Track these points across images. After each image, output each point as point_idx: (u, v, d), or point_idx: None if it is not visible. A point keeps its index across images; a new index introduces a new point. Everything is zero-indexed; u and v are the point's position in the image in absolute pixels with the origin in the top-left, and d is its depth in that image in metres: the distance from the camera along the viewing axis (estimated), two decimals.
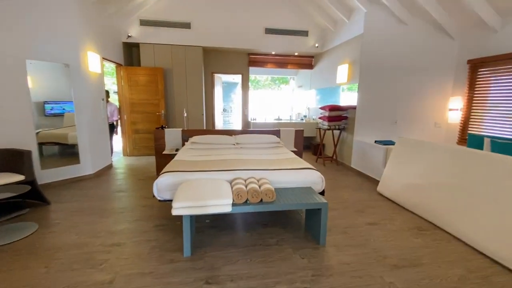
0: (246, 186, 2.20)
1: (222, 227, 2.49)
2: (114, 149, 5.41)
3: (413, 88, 4.23)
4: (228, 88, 10.80)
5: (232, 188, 2.17)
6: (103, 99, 4.46)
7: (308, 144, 6.62)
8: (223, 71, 6.41)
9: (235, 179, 2.35)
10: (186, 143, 3.99)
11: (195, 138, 3.84)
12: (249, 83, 6.78)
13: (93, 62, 4.06)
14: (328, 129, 4.90)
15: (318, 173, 2.59)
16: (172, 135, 4.18)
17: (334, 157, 5.20)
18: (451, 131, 4.33)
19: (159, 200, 2.38)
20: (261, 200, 2.13)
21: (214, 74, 6.44)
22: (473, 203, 2.33)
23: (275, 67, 6.61)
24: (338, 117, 4.89)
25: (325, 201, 2.19)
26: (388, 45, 4.24)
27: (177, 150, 4.07)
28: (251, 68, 6.70)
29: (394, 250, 2.18)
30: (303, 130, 4.49)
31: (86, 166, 3.96)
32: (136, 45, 5.56)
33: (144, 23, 5.34)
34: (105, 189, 3.54)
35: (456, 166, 2.58)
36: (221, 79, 7.27)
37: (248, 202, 2.10)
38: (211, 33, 5.58)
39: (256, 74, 8.38)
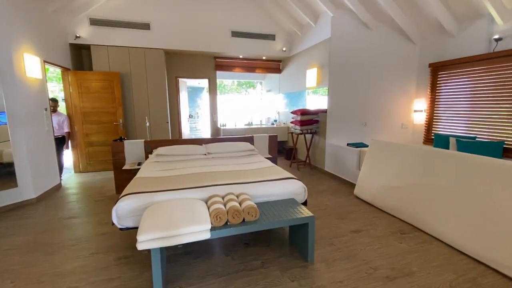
0: (225, 205, 1.94)
1: (198, 253, 2.19)
2: (65, 165, 4.70)
3: (380, 91, 4.38)
4: (194, 93, 10.35)
5: (209, 208, 1.89)
6: (46, 109, 3.81)
7: (281, 149, 6.54)
8: (188, 75, 6.04)
9: (211, 197, 2.08)
10: (150, 155, 3.58)
11: (160, 150, 3.45)
12: (217, 88, 6.50)
13: (32, 66, 3.44)
14: (301, 133, 4.84)
15: (300, 183, 2.43)
16: (133, 148, 3.72)
17: (308, 161, 5.16)
18: (417, 132, 4.57)
19: (120, 229, 2.00)
20: (243, 219, 1.89)
21: (178, 79, 6.03)
22: (447, 202, 2.37)
23: (243, 71, 6.43)
24: (309, 121, 4.86)
25: (312, 214, 2.03)
26: (355, 49, 4.33)
27: (139, 164, 3.63)
28: (218, 72, 6.43)
29: (382, 259, 2.09)
30: (276, 135, 4.36)
31: (26, 189, 3.31)
32: (87, 47, 4.94)
33: (94, 22, 4.76)
34: (51, 216, 2.97)
35: (428, 166, 2.63)
36: (186, 83, 6.86)
37: (228, 223, 1.84)
38: (173, 35, 5.20)
39: (224, 79, 8.11)
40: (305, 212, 2.07)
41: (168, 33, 5.16)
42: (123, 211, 1.94)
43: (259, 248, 2.25)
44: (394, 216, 2.88)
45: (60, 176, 4.49)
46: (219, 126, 6.44)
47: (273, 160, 4.28)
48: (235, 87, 13.33)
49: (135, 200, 1.97)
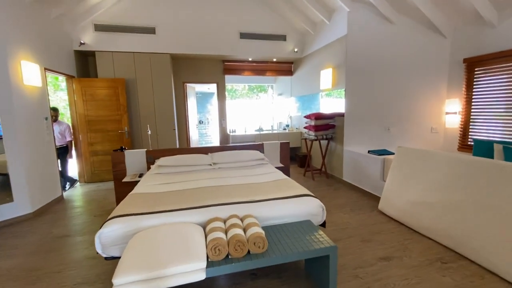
0: (226, 232, 1.60)
1: (194, 285, 1.85)
2: (70, 175, 4.54)
3: (405, 92, 3.90)
4: (204, 98, 10.18)
5: (206, 237, 1.56)
6: (47, 118, 3.66)
7: (293, 156, 6.14)
8: (196, 80, 5.81)
9: (211, 220, 1.74)
10: (151, 166, 3.31)
11: (162, 160, 3.18)
12: (226, 93, 6.23)
13: (30, 73, 3.29)
14: (316, 140, 4.44)
15: (317, 201, 2.06)
16: (134, 158, 3.47)
17: (323, 169, 4.74)
18: (449, 137, 4.07)
19: (105, 258, 1.70)
20: (248, 251, 1.54)
21: (186, 84, 5.82)
22: (502, 226, 1.91)
23: (252, 75, 6.13)
24: (325, 125, 4.46)
25: (333, 244, 1.65)
26: (375, 46, 3.91)
27: (141, 175, 3.37)
28: (227, 77, 6.17)
29: None
30: (288, 142, 3.99)
31: (22, 203, 3.12)
32: (92, 54, 4.81)
33: (99, 28, 4.63)
34: (44, 234, 2.75)
35: (473, 179, 2.18)
36: (194, 89, 6.65)
37: (230, 256, 1.50)
38: (179, 39, 4.98)
39: (233, 83, 7.86)
40: (325, 239, 1.69)
41: (174, 37, 4.95)
42: (107, 238, 1.64)
43: (269, 281, 1.89)
44: (431, 239, 2.43)
45: (65, 187, 4.34)
46: (228, 132, 6.15)
47: (286, 169, 3.91)
48: (246, 92, 13.12)
49: (121, 226, 1.67)
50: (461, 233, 2.17)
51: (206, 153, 3.64)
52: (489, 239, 1.98)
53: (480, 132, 3.67)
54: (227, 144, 5.99)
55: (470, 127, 3.64)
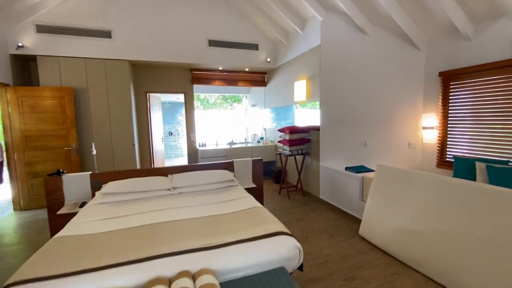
0: None
1: None
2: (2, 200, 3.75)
3: (381, 105, 3.75)
4: (173, 109, 9.61)
5: None
6: None
7: (268, 170, 5.80)
8: (161, 90, 5.30)
9: (150, 284, 1.28)
10: (96, 193, 2.75)
11: (109, 186, 2.65)
12: (195, 103, 5.77)
13: None
14: (291, 155, 4.13)
15: (293, 241, 1.69)
16: (75, 183, 2.88)
17: (299, 186, 4.43)
18: (428, 152, 3.94)
19: None
20: None
21: (148, 94, 5.28)
22: (496, 259, 1.68)
23: (223, 85, 5.76)
24: (300, 140, 4.18)
25: None
26: (349, 58, 3.75)
27: (83, 204, 2.78)
28: (196, 86, 5.74)
29: None
30: (261, 159, 3.63)
31: None
32: (34, 59, 4.13)
33: (42, 29, 3.99)
34: None
35: (458, 206, 1.96)
36: (159, 99, 6.11)
37: None
38: (140, 44, 4.49)
39: (202, 93, 7.45)
40: None
41: (133, 42, 4.45)
42: None
43: None
44: (419, 272, 2.16)
45: None
46: (197, 146, 5.67)
47: (259, 190, 3.54)
48: (220, 102, 12.69)
49: None
50: (453, 268, 1.91)
51: (166, 175, 3.15)
52: (483, 276, 1.73)
53: (458, 148, 3.59)
54: (196, 159, 5.49)
55: (448, 142, 3.55)
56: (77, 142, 4.15)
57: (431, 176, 2.27)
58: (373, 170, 3.38)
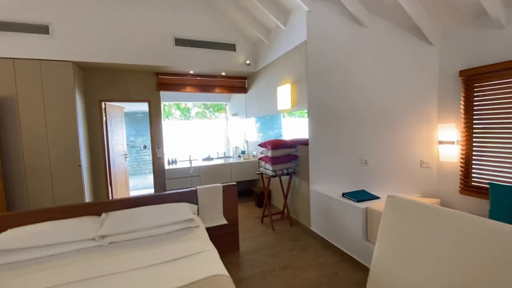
0: None
1: None
2: None
3: (385, 114, 2.98)
4: (146, 119, 8.68)
5: None
6: None
7: (249, 190, 4.98)
8: (119, 98, 4.44)
9: None
10: None
11: (7, 238, 1.77)
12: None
13: None
14: (274, 176, 3.34)
15: None
16: None
17: (286, 212, 3.63)
18: (446, 174, 3.03)
19: None
20: None
21: (104, 103, 4.40)
22: None
23: (197, 91, 4.96)
24: (285, 157, 3.41)
25: None
26: (343, 56, 3.04)
27: None
28: (166, 94, 4.92)
29: None
30: (235, 185, 2.81)
31: None
32: None
33: None
34: None
35: None
36: (122, 109, 5.23)
37: None
38: (87, 42, 3.65)
39: (174, 101, 6.65)
40: None
41: (78, 39, 3.60)
42: None
43: None
44: None
45: None
46: (166, 163, 4.80)
47: (232, 227, 2.72)
48: (201, 111, 11.86)
49: None
50: None
51: (100, 213, 2.28)
52: None
53: (489, 168, 2.70)
54: (163, 181, 4.60)
55: (474, 161, 2.76)
56: (0, 165, 3.21)
57: (464, 217, 1.52)
58: (377, 197, 2.64)
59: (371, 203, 2.50)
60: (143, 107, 7.57)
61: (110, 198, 4.48)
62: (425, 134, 2.80)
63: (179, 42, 4.13)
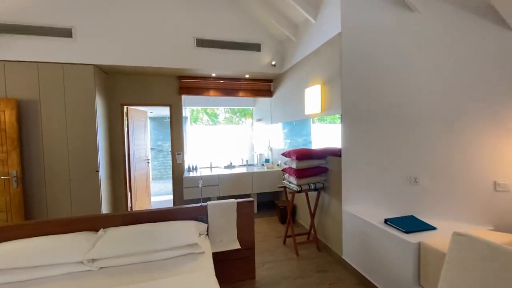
0: None
1: None
2: None
3: (443, 120, 2.29)
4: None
5: None
6: None
7: (272, 202, 4.52)
8: (141, 101, 4.33)
9: None
10: None
11: None
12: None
13: None
14: (299, 191, 2.87)
15: None
16: None
17: (313, 232, 3.12)
18: None
19: None
20: None
21: (126, 107, 4.32)
22: None
23: (219, 95, 4.69)
24: (312, 170, 2.92)
25: None
26: (387, 49, 2.49)
27: None
28: (189, 98, 4.74)
29: None
30: (253, 202, 2.41)
31: None
32: None
33: None
34: None
35: None
36: (146, 113, 5.16)
37: None
38: (108, 45, 3.57)
39: (193, 106, 6.49)
40: None
41: (100, 42, 3.53)
42: None
43: None
44: None
45: None
46: (186, 170, 4.57)
47: (248, 251, 2.31)
48: (230, 116, 11.75)
49: None
50: None
51: (99, 228, 2.03)
52: None
53: None
54: (182, 189, 4.36)
55: None
56: (20, 169, 3.20)
57: None
58: (433, 228, 2.04)
59: (424, 236, 1.92)
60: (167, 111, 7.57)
61: (129, 204, 4.35)
62: (501, 148, 2.10)
63: (200, 43, 3.89)
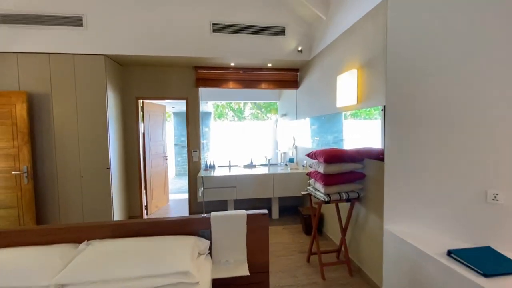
0: None
1: None
2: None
3: None
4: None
5: None
6: None
7: (296, 208, 4.01)
8: (155, 95, 4.07)
9: None
10: None
11: None
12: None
13: None
14: (327, 202, 2.33)
15: None
16: None
17: (343, 250, 2.57)
18: None
19: None
20: None
21: (141, 101, 4.09)
22: None
23: (240, 87, 4.26)
24: (345, 175, 2.36)
25: None
26: (455, 19, 1.82)
27: None
28: (207, 91, 4.39)
29: None
30: (267, 214, 1.93)
31: None
32: None
33: (4, 19, 3.11)
34: None
35: None
36: (164, 108, 4.93)
37: None
38: (120, 34, 3.32)
39: (211, 100, 6.14)
40: None
41: (112, 30, 3.30)
42: None
43: None
44: None
45: None
46: (203, 168, 4.24)
47: (262, 280, 1.86)
48: (254, 112, 11.34)
49: None
50: None
51: (83, 240, 1.72)
52: None
53: None
54: (196, 190, 4.04)
55: None
56: (31, 164, 3.09)
57: None
58: None
59: None
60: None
61: (144, 203, 4.15)
62: None
63: (217, 28, 3.48)
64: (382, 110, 2.10)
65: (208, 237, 1.84)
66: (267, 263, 1.95)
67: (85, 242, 1.68)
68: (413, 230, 1.93)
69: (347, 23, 2.64)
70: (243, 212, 1.91)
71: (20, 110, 3.03)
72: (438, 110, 1.85)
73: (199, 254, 1.71)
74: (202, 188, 2.17)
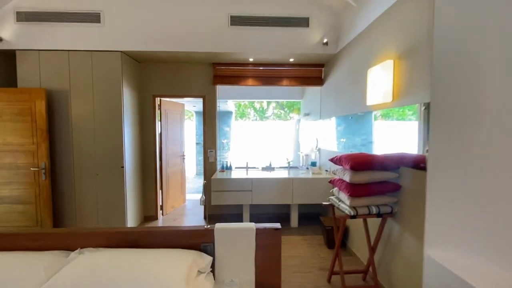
0: None
1: None
2: None
3: None
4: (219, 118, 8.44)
5: None
6: None
7: (318, 216, 3.66)
8: (173, 93, 3.96)
9: None
10: None
11: None
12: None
13: None
14: (353, 217, 1.99)
15: None
16: None
17: (370, 271, 2.20)
18: None
19: None
20: None
21: (159, 99, 4.01)
22: None
23: (259, 84, 4.02)
24: (374, 186, 2.00)
25: None
26: None
27: None
28: (225, 89, 4.21)
29: None
30: (279, 230, 1.65)
31: None
32: (13, 54, 3.32)
33: (22, 17, 3.17)
34: None
35: None
36: (182, 106, 4.83)
37: None
38: (137, 29, 3.23)
39: (230, 99, 5.93)
40: None
41: (130, 26, 3.23)
42: None
43: None
44: None
45: None
46: (219, 169, 4.06)
47: None
48: (277, 112, 11.05)
49: None
50: None
51: (76, 247, 1.58)
52: None
53: None
54: (214, 188, 3.86)
55: None
56: (48, 161, 3.11)
57: None
58: None
59: None
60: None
61: (159, 203, 4.07)
62: None
63: (236, 20, 3.26)
64: (425, 108, 1.71)
65: (211, 252, 1.61)
66: (279, 285, 1.67)
67: (78, 250, 1.53)
68: (464, 260, 1.52)
69: (381, 7, 2.26)
70: (252, 225, 1.64)
71: (39, 106, 3.06)
72: (499, 108, 1.43)
73: (199, 272, 1.49)
74: (204, 197, 1.94)
